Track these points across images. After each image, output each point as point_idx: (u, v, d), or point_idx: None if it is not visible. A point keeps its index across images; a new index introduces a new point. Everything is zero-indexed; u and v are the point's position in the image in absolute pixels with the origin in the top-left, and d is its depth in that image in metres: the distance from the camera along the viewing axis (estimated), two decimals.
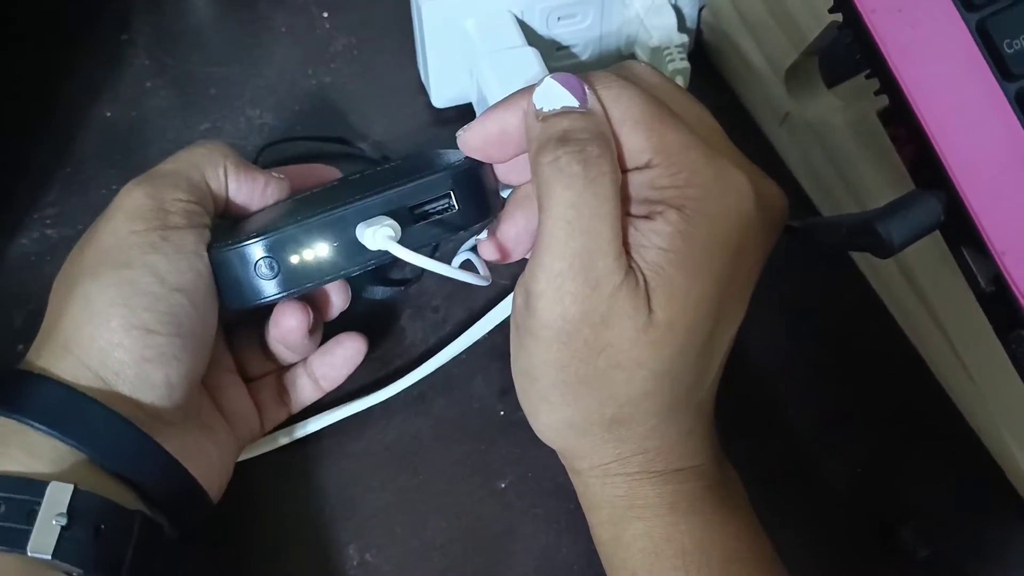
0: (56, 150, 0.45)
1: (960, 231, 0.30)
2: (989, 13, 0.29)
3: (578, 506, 0.38)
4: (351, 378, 0.39)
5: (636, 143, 0.29)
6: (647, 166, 0.29)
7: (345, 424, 0.40)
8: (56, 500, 0.28)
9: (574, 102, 0.29)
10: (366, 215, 0.32)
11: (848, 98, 0.44)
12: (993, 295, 0.30)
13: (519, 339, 0.31)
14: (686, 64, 0.43)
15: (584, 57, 0.46)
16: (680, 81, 0.43)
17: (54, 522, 0.28)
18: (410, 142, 0.46)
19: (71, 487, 0.29)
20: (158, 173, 0.34)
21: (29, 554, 0.28)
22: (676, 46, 0.44)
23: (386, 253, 0.32)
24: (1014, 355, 0.31)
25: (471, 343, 0.40)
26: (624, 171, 0.29)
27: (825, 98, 0.44)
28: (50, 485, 0.28)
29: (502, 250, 0.33)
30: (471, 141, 0.32)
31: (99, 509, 0.29)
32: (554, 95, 0.29)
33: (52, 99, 0.46)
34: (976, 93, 0.29)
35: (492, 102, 0.40)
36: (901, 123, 0.30)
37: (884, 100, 0.30)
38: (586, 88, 0.29)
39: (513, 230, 0.32)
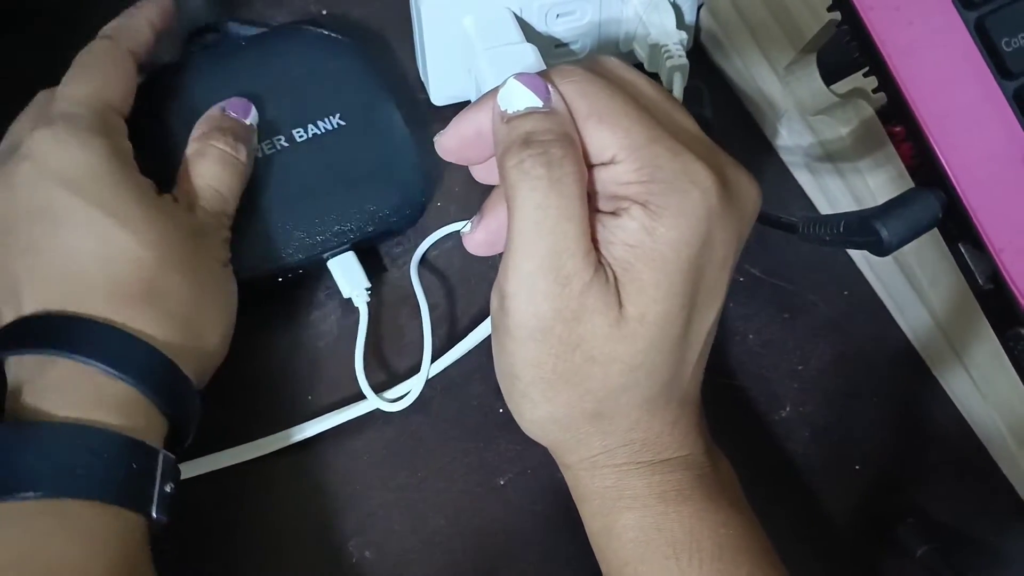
0: None
1: (958, 229, 0.30)
2: (987, 11, 0.29)
3: (577, 510, 0.39)
4: (350, 381, 0.39)
5: (601, 139, 0.29)
6: (612, 162, 0.29)
7: (344, 422, 0.40)
8: (165, 468, 0.32)
9: (537, 102, 0.29)
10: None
11: (846, 96, 0.44)
12: (991, 292, 0.30)
13: (498, 340, 0.32)
14: (684, 61, 0.43)
15: (582, 54, 0.46)
16: (678, 78, 0.43)
17: (168, 489, 0.32)
18: (411, 139, 0.46)
19: (172, 458, 0.33)
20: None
21: (154, 516, 0.32)
22: (674, 43, 0.44)
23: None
24: (1012, 352, 0.31)
25: (473, 345, 0.40)
26: (590, 166, 0.30)
27: (823, 95, 0.44)
28: (160, 456, 0.32)
29: (486, 243, 0.33)
30: (447, 144, 0.32)
31: (172, 467, 0.33)
32: (517, 96, 0.30)
33: None
34: (974, 91, 0.29)
35: None
36: (899, 121, 0.30)
37: (882, 98, 0.30)
38: (549, 87, 0.30)
39: (495, 223, 0.32)
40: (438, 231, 0.43)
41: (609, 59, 0.32)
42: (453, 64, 0.44)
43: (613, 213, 0.30)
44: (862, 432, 0.42)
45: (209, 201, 0.37)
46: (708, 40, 0.49)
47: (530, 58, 0.42)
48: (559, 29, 0.45)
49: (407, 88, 0.47)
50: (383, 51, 0.48)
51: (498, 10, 0.43)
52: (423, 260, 0.43)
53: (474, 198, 0.45)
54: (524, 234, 0.29)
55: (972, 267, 0.30)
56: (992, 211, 0.29)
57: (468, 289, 0.43)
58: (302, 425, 0.39)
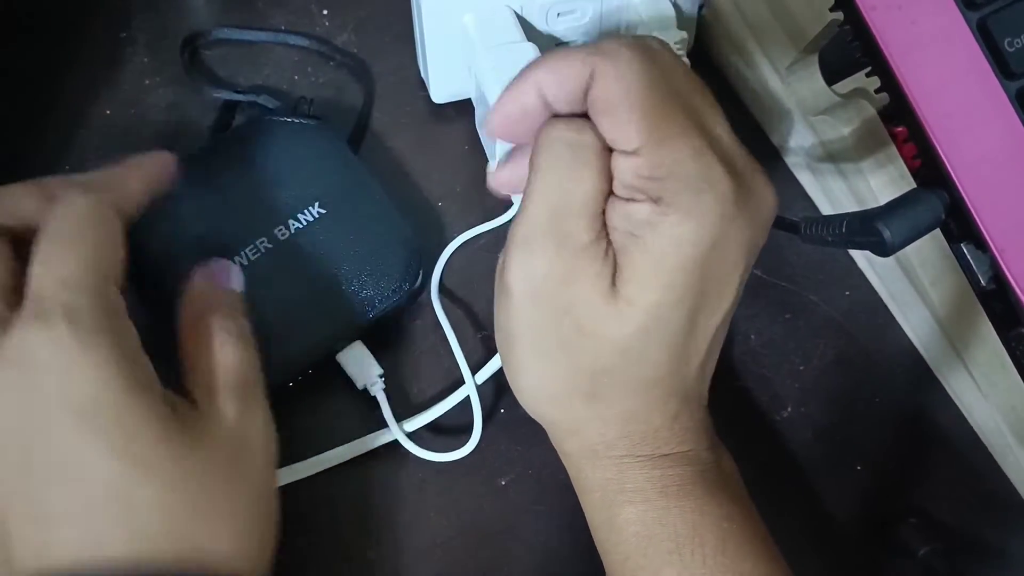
0: (56, 148, 0.45)
1: (960, 228, 0.30)
2: (990, 11, 0.29)
3: (579, 503, 0.39)
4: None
5: (628, 130, 0.29)
6: (635, 153, 0.29)
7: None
8: None
9: None
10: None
11: (848, 96, 0.44)
12: (993, 293, 0.30)
13: (498, 300, 0.32)
14: (685, 61, 0.43)
15: None
16: None
17: None
18: (410, 137, 0.46)
19: None
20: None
21: None
22: (675, 42, 0.44)
23: None
24: (1013, 352, 0.31)
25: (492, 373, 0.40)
26: (613, 152, 0.30)
27: (825, 95, 0.44)
28: None
29: (509, 182, 0.34)
30: (498, 128, 0.32)
31: None
32: None
33: (51, 97, 0.46)
34: (977, 91, 0.29)
35: (491, 97, 0.41)
36: (902, 121, 0.30)
37: (885, 98, 0.30)
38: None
39: (521, 168, 0.33)
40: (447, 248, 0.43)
41: (657, 40, 0.31)
42: (454, 62, 0.44)
43: (627, 200, 0.30)
44: (863, 432, 0.42)
45: (234, 389, 0.31)
46: (709, 40, 0.49)
47: (531, 57, 0.41)
48: (560, 28, 0.45)
49: (408, 88, 0.47)
50: (383, 49, 0.48)
51: (499, 8, 0.43)
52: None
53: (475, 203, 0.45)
54: (535, 190, 0.30)
55: (974, 267, 0.30)
56: (994, 211, 0.29)
57: (480, 297, 0.43)
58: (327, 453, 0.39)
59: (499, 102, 0.32)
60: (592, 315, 0.30)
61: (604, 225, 0.30)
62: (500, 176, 0.35)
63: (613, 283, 0.30)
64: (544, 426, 0.34)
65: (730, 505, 0.32)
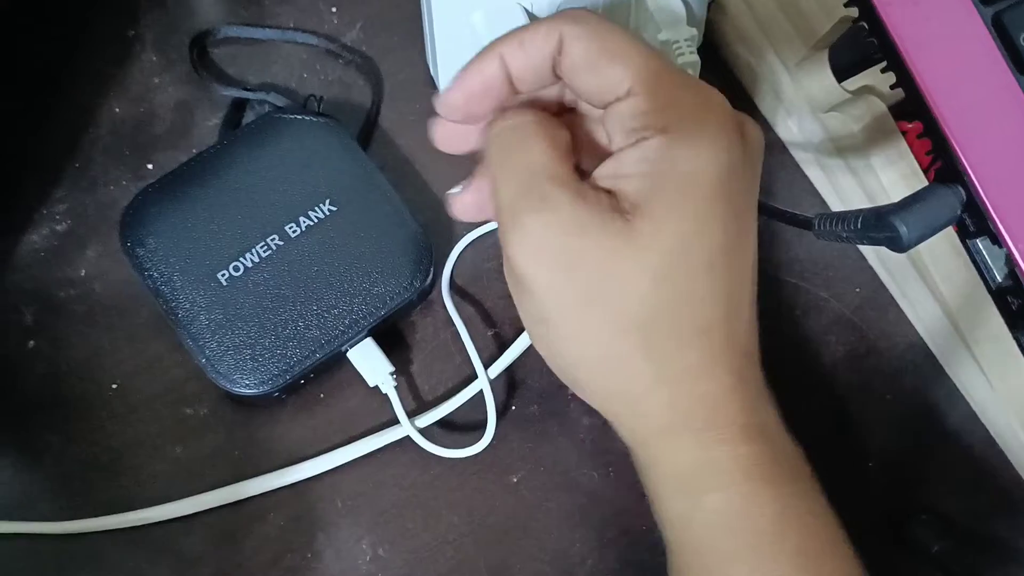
0: (65, 146, 0.45)
1: (976, 224, 0.30)
2: (1005, 6, 0.29)
3: (591, 500, 0.39)
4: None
5: (614, 74, 0.28)
6: (628, 95, 0.28)
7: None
8: None
9: None
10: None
11: (858, 92, 0.44)
12: (1008, 288, 0.30)
13: (516, 295, 0.30)
14: (695, 58, 0.43)
15: None
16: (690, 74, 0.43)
17: None
18: (419, 134, 0.46)
19: None
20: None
21: None
22: (685, 39, 0.44)
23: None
24: None
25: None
26: (605, 106, 0.29)
27: (835, 92, 0.44)
28: None
29: (475, 204, 0.32)
30: (455, 101, 0.31)
31: None
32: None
33: (60, 95, 0.46)
34: (992, 86, 0.29)
35: None
36: (916, 116, 0.30)
37: (895, 94, 0.30)
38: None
39: (486, 185, 0.32)
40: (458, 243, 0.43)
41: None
42: (463, 59, 0.43)
43: (632, 145, 0.28)
44: (875, 428, 0.42)
45: None
46: (718, 37, 0.49)
47: None
48: None
49: (416, 85, 0.47)
50: (392, 46, 0.48)
51: (509, 5, 0.43)
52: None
53: None
54: (498, 179, 0.29)
55: (989, 263, 0.30)
56: (1010, 206, 0.29)
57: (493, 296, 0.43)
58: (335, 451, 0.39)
59: (461, 76, 0.30)
60: (611, 257, 0.28)
61: (593, 183, 0.29)
62: (462, 200, 0.33)
63: (628, 224, 0.28)
64: (611, 417, 0.31)
65: (812, 498, 0.30)
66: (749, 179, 0.29)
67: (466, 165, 0.45)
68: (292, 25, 0.48)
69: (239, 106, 0.45)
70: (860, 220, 0.31)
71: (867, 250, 0.45)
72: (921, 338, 0.44)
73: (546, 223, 0.28)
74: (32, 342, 0.41)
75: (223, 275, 0.39)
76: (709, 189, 0.28)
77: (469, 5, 0.42)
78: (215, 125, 0.45)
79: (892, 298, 0.44)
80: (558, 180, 0.28)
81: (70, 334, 0.41)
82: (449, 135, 0.32)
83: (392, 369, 0.40)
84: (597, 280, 0.28)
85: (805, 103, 0.45)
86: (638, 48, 0.29)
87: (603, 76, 0.29)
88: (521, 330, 0.41)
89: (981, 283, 0.32)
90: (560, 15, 0.30)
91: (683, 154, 0.28)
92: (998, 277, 0.30)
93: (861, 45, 0.31)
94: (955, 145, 0.29)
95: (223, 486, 0.38)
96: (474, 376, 0.40)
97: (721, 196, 0.28)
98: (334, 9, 0.49)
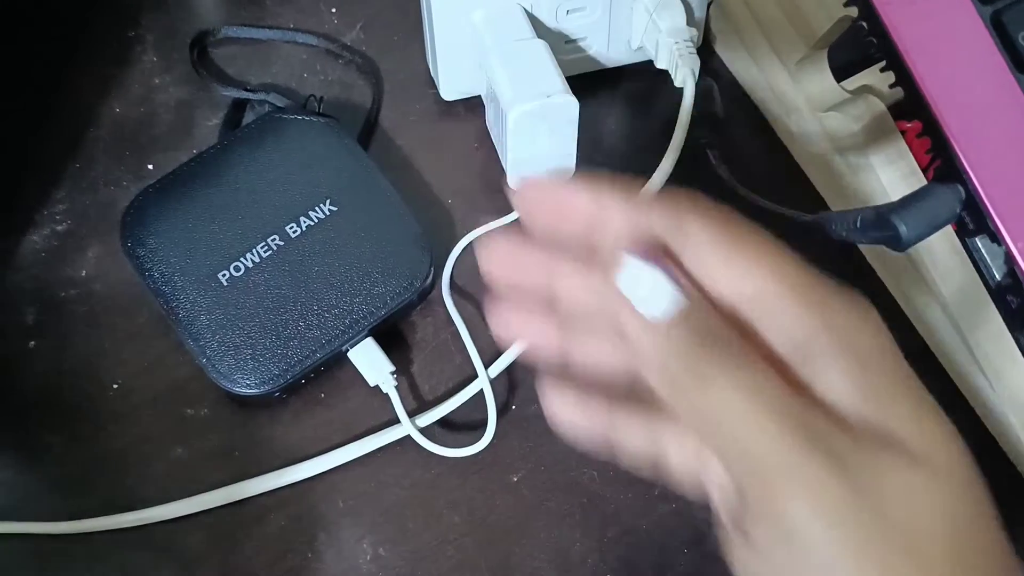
0: (65, 147, 0.45)
1: (975, 222, 0.30)
2: (1004, 5, 0.29)
3: (591, 499, 0.39)
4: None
5: (797, 325, 0.23)
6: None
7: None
8: None
9: (680, 297, 0.23)
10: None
11: (857, 92, 0.44)
12: (1007, 287, 0.30)
13: (765, 552, 0.23)
14: (695, 57, 0.43)
15: (593, 51, 0.46)
16: (689, 75, 0.43)
17: None
18: (419, 134, 0.46)
19: None
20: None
21: None
22: (685, 39, 0.44)
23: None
24: None
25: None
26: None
27: (834, 91, 0.44)
28: None
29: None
30: (528, 192, 0.26)
31: None
32: (650, 289, 0.23)
33: (60, 96, 0.46)
34: (991, 85, 0.29)
35: (501, 95, 0.41)
36: (916, 116, 0.30)
37: (894, 93, 0.30)
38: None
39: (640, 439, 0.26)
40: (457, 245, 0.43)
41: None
42: (463, 59, 0.44)
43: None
44: None
45: None
46: (718, 36, 0.49)
47: (541, 54, 0.42)
48: (569, 25, 0.45)
49: (417, 86, 0.47)
50: (392, 46, 0.48)
51: (508, 5, 0.43)
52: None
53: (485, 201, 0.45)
54: (743, 423, 0.22)
55: (988, 262, 0.30)
56: (1009, 204, 0.29)
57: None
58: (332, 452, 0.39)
59: (550, 182, 0.26)
60: (904, 498, 0.22)
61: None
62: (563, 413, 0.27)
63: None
64: None
65: None
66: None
67: (466, 165, 0.46)
68: (292, 25, 0.48)
69: (239, 106, 0.45)
70: (860, 219, 0.31)
71: (866, 249, 0.45)
72: (920, 337, 0.44)
73: (830, 469, 0.22)
74: (32, 342, 0.41)
75: (224, 275, 0.39)
76: (891, 369, 0.25)
77: (469, 5, 0.42)
78: (215, 125, 0.45)
79: (891, 297, 0.44)
80: (833, 422, 0.23)
81: (71, 334, 0.41)
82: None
83: (393, 369, 0.40)
84: (883, 523, 0.22)
85: (804, 103, 0.45)
86: (766, 245, 0.24)
87: (722, 274, 0.24)
88: None
89: (980, 282, 0.32)
90: (676, 207, 0.24)
91: (865, 355, 0.24)
92: (997, 275, 0.30)
93: (860, 45, 0.31)
94: (954, 144, 0.29)
95: (224, 486, 0.38)
96: (474, 376, 0.40)
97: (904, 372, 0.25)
98: (334, 9, 0.49)
